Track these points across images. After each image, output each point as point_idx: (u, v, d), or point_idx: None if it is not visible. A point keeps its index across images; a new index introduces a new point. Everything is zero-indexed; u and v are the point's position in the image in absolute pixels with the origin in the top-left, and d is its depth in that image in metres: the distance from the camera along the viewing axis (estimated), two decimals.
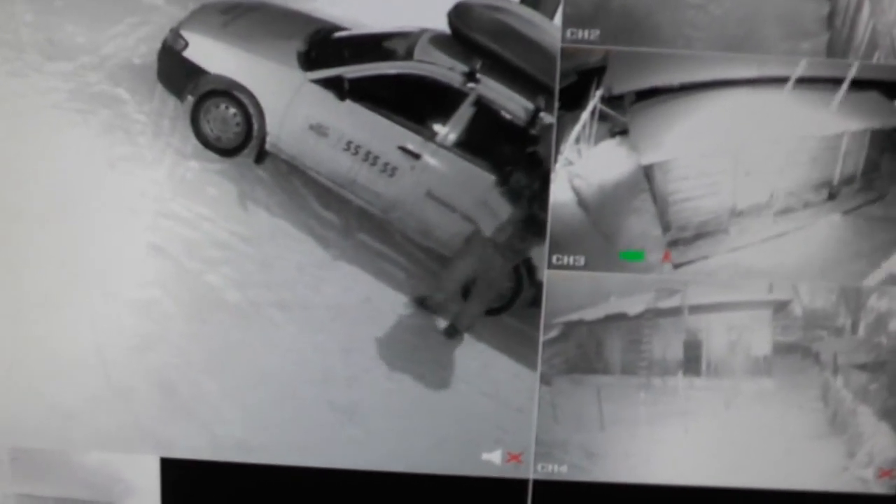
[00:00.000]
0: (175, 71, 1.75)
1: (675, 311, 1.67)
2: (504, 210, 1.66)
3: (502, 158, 1.69)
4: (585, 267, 1.64)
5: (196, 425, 1.71)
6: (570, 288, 1.65)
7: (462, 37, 1.70)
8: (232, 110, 1.73)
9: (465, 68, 1.70)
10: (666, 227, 1.66)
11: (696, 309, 1.67)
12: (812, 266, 1.66)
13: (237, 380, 1.70)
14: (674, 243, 1.66)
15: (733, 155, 1.66)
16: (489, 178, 1.70)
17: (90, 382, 1.72)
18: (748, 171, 1.66)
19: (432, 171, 1.70)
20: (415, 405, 1.70)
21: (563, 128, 1.64)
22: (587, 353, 1.68)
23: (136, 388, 1.72)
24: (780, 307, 1.66)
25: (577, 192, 1.65)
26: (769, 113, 1.65)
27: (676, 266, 1.65)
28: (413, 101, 1.71)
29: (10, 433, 1.73)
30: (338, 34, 1.76)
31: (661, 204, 1.66)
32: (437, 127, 1.70)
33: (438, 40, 1.72)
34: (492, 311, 1.71)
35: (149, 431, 1.72)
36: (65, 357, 1.72)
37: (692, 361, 1.67)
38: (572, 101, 1.64)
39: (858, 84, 1.63)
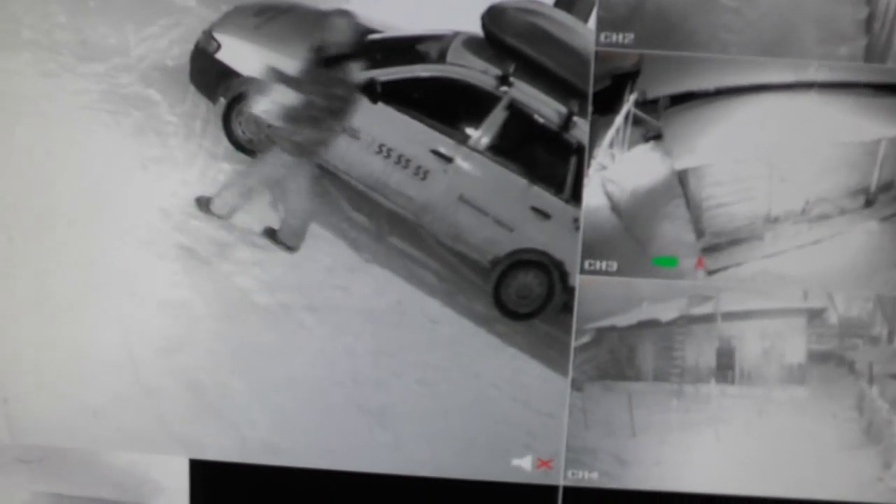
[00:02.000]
0: (207, 73, 1.76)
1: (708, 318, 1.66)
2: None
3: (535, 163, 1.69)
4: (618, 272, 1.64)
5: (225, 427, 1.72)
6: (602, 293, 1.65)
7: (495, 40, 1.70)
8: None
9: (498, 72, 1.70)
10: (699, 233, 1.65)
11: (729, 316, 1.66)
12: (848, 274, 1.65)
13: (266, 382, 1.71)
14: (707, 249, 1.65)
15: (768, 161, 1.65)
16: (521, 182, 1.69)
17: (119, 383, 1.73)
18: (783, 177, 1.65)
19: (465, 175, 1.70)
20: (444, 409, 1.70)
21: (596, 132, 1.63)
22: (619, 359, 1.68)
23: (164, 388, 1.72)
24: (815, 315, 1.65)
25: (610, 196, 1.65)
26: (805, 118, 1.64)
27: (710, 272, 1.65)
28: (445, 105, 1.71)
29: (40, 432, 1.75)
30: (370, 37, 1.77)
31: (694, 210, 1.65)
32: (470, 130, 1.71)
33: (471, 43, 1.72)
34: (524, 316, 1.71)
35: (177, 432, 1.73)
36: (94, 357, 1.73)
37: (725, 369, 1.67)
38: (606, 105, 1.64)
39: None
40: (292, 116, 1.67)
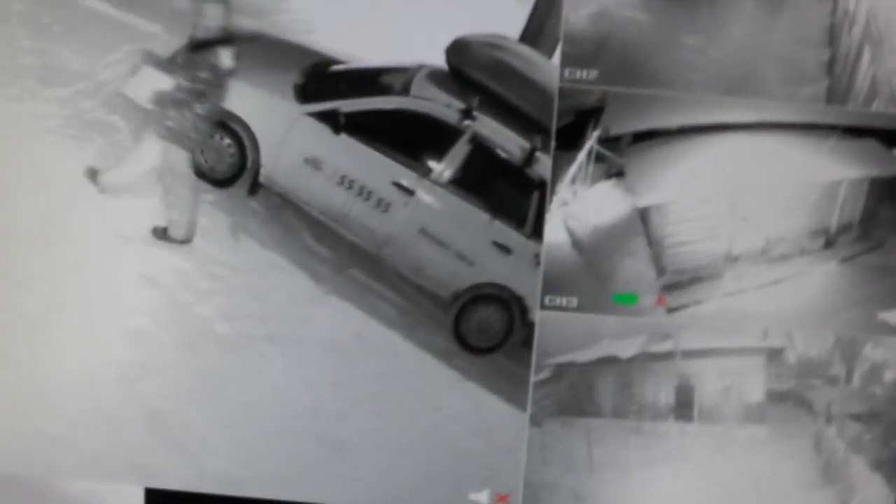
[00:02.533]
0: None
1: (667, 356, 1.67)
2: None
3: (497, 197, 1.70)
4: (578, 308, 1.64)
5: (183, 456, 1.72)
6: (562, 329, 1.65)
7: (459, 73, 1.70)
8: (227, 141, 1.74)
9: (461, 105, 1.70)
10: (661, 271, 1.66)
11: (689, 354, 1.67)
12: (807, 313, 1.66)
13: (225, 411, 1.71)
14: (668, 287, 1.66)
15: (730, 199, 1.66)
16: (483, 216, 1.70)
17: (77, 409, 1.72)
18: (745, 216, 1.66)
19: (426, 208, 1.70)
20: (403, 442, 1.70)
21: (559, 168, 1.64)
22: (578, 395, 1.68)
23: (123, 416, 1.72)
24: (774, 354, 1.66)
25: (571, 232, 1.65)
26: (767, 158, 1.65)
27: (670, 310, 1.65)
28: (409, 137, 1.71)
29: None
30: (335, 67, 1.77)
31: (656, 247, 1.66)
32: (433, 163, 1.71)
33: (436, 76, 1.72)
34: (483, 351, 1.71)
35: (135, 460, 1.72)
36: (52, 383, 1.73)
37: (684, 406, 1.67)
38: (569, 141, 1.65)
39: (857, 131, 1.63)
40: (163, 100, 1.67)
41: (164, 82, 1.68)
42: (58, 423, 1.72)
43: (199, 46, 1.68)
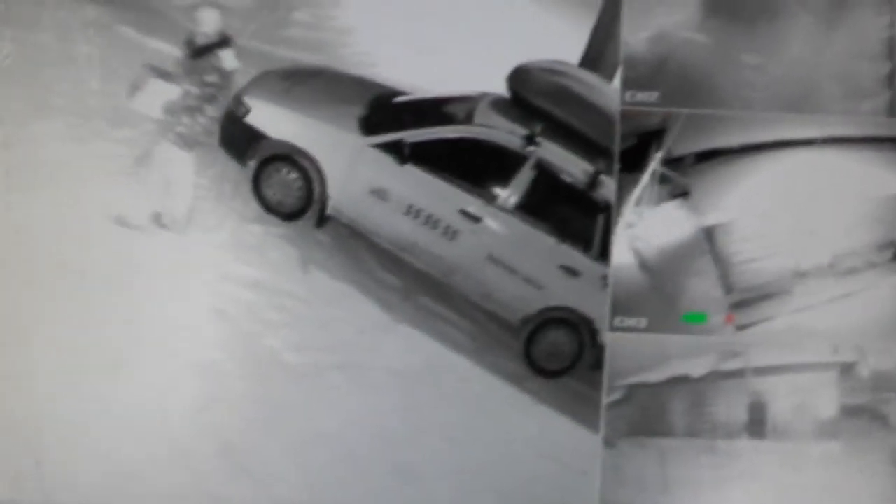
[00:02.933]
0: (237, 136, 1.79)
1: (738, 373, 1.66)
2: None
3: (563, 221, 1.71)
4: (648, 329, 1.65)
5: (255, 486, 1.73)
6: (632, 350, 1.66)
7: (521, 100, 1.73)
8: (293, 175, 1.77)
9: (524, 132, 1.72)
10: (728, 289, 1.66)
11: (760, 371, 1.66)
12: (878, 327, 1.65)
13: (295, 440, 1.72)
14: (737, 305, 1.66)
15: (795, 215, 1.66)
16: (550, 240, 1.71)
17: (152, 442, 1.74)
18: (811, 231, 1.66)
19: (493, 235, 1.72)
20: (475, 467, 1.71)
21: (623, 190, 1.65)
22: (650, 415, 1.69)
23: (196, 448, 1.74)
24: (847, 369, 1.66)
25: (638, 254, 1.66)
26: (831, 173, 1.65)
27: (740, 328, 1.65)
28: (473, 165, 1.73)
29: (73, 493, 1.76)
30: (398, 99, 1.80)
31: (723, 265, 1.66)
32: (498, 190, 1.73)
33: (498, 104, 1.74)
34: (554, 374, 1.72)
35: (208, 491, 1.74)
36: (127, 417, 1.75)
37: (756, 424, 1.67)
38: (632, 163, 1.66)
39: None
40: (173, 109, 1.70)
41: (172, 92, 1.71)
42: (134, 457, 1.74)
43: (201, 52, 1.72)
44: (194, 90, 1.71)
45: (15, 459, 1.75)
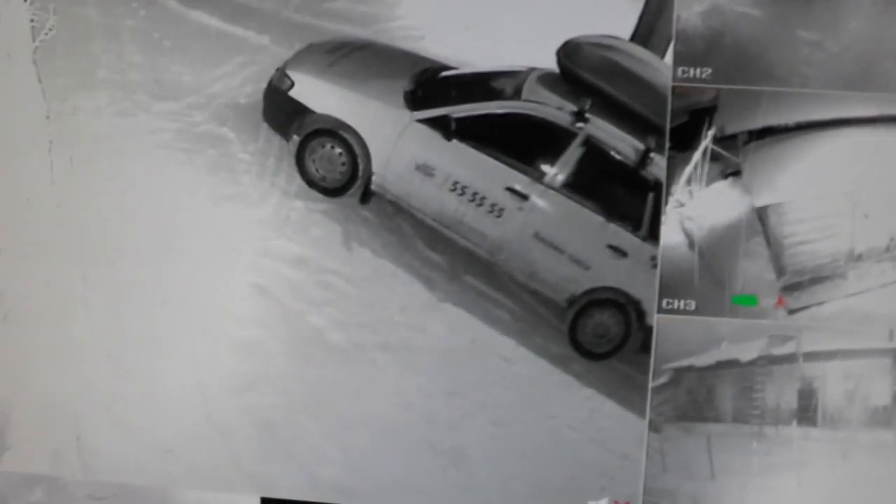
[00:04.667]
0: (281, 110, 1.80)
1: (789, 359, 1.65)
2: None
3: (612, 200, 1.70)
4: (696, 311, 1.64)
5: (296, 466, 1.75)
6: (680, 333, 1.65)
7: (571, 75, 1.72)
8: (338, 150, 1.77)
9: (574, 108, 1.72)
10: (780, 272, 1.65)
11: (811, 356, 1.65)
12: None
13: (338, 421, 1.73)
14: (788, 288, 1.65)
15: (851, 197, 1.65)
16: (598, 219, 1.70)
17: (191, 420, 1.76)
18: (867, 214, 1.65)
19: (540, 213, 1.72)
20: (519, 450, 1.71)
21: (674, 168, 1.64)
22: (697, 400, 1.68)
23: (236, 426, 1.75)
24: None
25: (687, 234, 1.65)
26: (889, 153, 1.63)
27: (791, 312, 1.64)
28: (521, 141, 1.73)
29: (113, 469, 1.78)
30: (445, 73, 1.79)
31: (775, 247, 1.65)
32: (546, 167, 1.72)
33: (547, 79, 1.74)
34: (600, 356, 1.72)
35: (248, 470, 1.76)
36: (166, 395, 1.77)
37: (807, 411, 1.66)
38: (684, 141, 1.65)
39: None
40: None
41: None
42: (172, 434, 1.76)
43: None
44: None
45: (56, 435, 1.78)
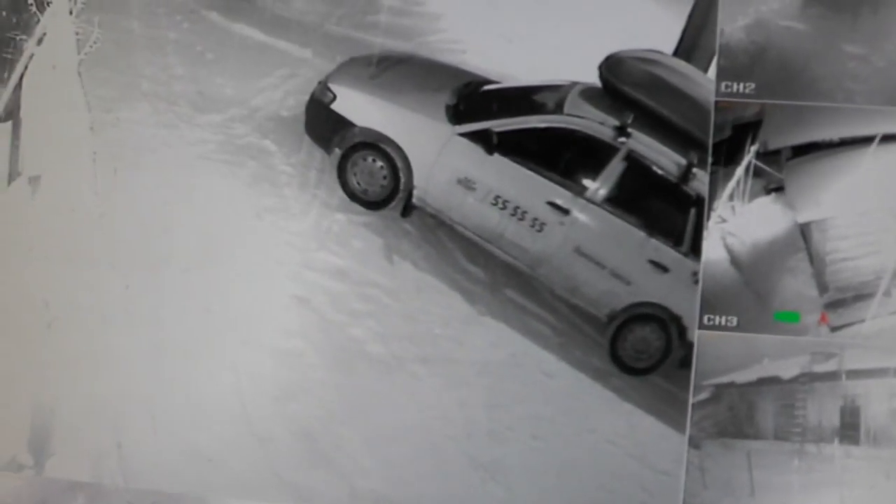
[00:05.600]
0: (323, 123, 1.82)
1: (831, 376, 1.65)
2: None
3: (654, 215, 1.71)
4: (738, 328, 1.64)
5: (335, 476, 1.76)
6: (721, 349, 1.65)
7: (614, 90, 1.72)
8: (379, 163, 1.79)
9: (616, 122, 1.72)
10: (823, 288, 1.65)
11: (854, 374, 1.65)
12: None
13: (378, 432, 1.75)
14: (831, 305, 1.65)
15: (895, 213, 1.64)
16: (639, 234, 1.71)
17: (231, 429, 1.78)
18: None
19: (582, 227, 1.73)
20: (558, 464, 1.72)
21: (716, 184, 1.65)
22: (738, 416, 1.68)
23: (276, 436, 1.77)
24: None
25: (729, 250, 1.66)
26: None
27: (834, 329, 1.64)
28: (562, 156, 1.74)
29: (153, 477, 1.81)
30: (486, 87, 1.81)
31: (818, 264, 1.65)
32: (587, 182, 1.73)
33: (589, 94, 1.75)
34: (641, 371, 1.72)
35: (288, 481, 1.77)
36: (207, 404, 1.79)
37: (850, 429, 1.66)
38: (726, 156, 1.65)
39: None
40: None
41: None
42: (212, 443, 1.78)
43: None
44: None
45: (97, 442, 1.80)
